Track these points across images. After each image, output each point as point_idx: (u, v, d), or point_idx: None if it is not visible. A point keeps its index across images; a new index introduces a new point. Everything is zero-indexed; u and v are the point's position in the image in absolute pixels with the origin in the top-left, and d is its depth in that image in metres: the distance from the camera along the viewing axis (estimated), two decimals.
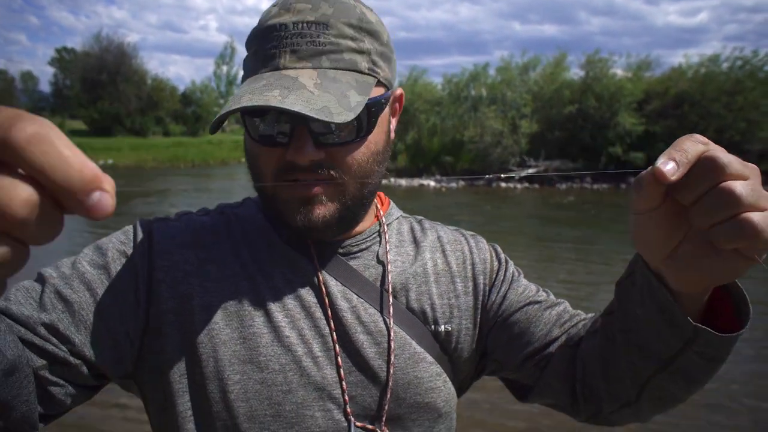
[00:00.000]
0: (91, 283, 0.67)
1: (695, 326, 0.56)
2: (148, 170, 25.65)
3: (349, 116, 0.60)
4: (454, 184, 23.04)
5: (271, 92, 0.60)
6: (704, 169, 0.44)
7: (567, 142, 22.99)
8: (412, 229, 0.85)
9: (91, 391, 0.69)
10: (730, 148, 0.45)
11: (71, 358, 0.64)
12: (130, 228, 0.74)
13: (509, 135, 23.12)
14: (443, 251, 0.83)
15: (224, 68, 53.79)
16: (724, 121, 19.78)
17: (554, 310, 0.80)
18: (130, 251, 0.71)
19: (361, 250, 0.78)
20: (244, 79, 0.69)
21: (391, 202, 0.87)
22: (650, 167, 0.46)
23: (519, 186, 22.67)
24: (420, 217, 0.89)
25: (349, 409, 0.71)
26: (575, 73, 24.86)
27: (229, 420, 0.68)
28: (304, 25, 0.65)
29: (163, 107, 46.21)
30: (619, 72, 23.84)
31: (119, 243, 0.72)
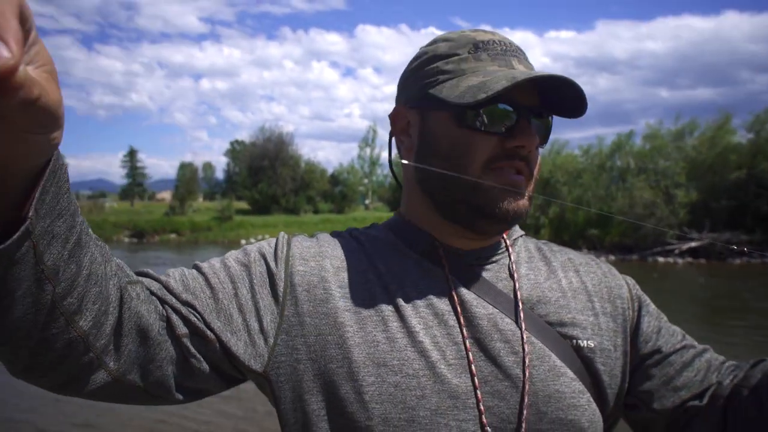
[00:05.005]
0: (235, 277, 0.73)
1: None
2: None
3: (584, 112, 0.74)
4: (602, 258, 21.26)
5: (537, 72, 0.70)
6: None
7: (738, 211, 20.33)
8: (539, 248, 0.85)
9: (225, 381, 0.74)
10: None
11: (209, 333, 0.69)
12: (273, 239, 0.82)
13: (663, 206, 21.13)
14: (577, 271, 0.82)
15: (367, 150, 57.93)
16: None
17: (705, 356, 0.80)
18: (270, 256, 0.76)
19: (491, 263, 0.78)
20: (444, 77, 0.74)
21: None
22: None
23: (680, 260, 20.33)
24: (545, 240, 0.89)
25: (484, 420, 0.69)
26: (742, 135, 22.30)
27: (364, 422, 0.68)
28: (513, 44, 0.76)
29: (314, 187, 50.62)
30: None
31: (262, 248, 0.79)
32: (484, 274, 0.77)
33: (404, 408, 0.68)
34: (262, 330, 0.72)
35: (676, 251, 20.67)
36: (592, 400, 0.73)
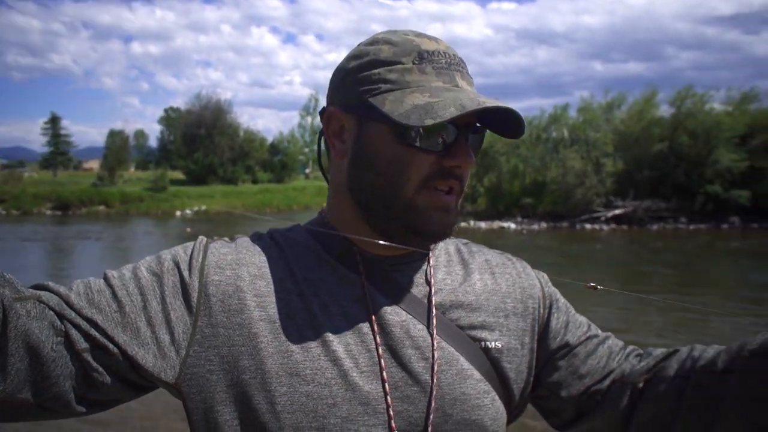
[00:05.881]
0: (144, 289, 0.72)
1: None
2: (236, 216, 27.23)
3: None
4: (535, 226, 22.32)
5: (483, 100, 0.70)
6: None
7: (658, 181, 21.75)
8: (459, 251, 0.88)
9: (135, 390, 0.73)
10: None
11: (111, 347, 0.68)
12: (190, 244, 0.80)
13: (593, 175, 22.24)
14: (492, 273, 0.86)
15: (308, 119, 56.86)
16: None
17: (606, 343, 0.86)
18: (184, 264, 0.75)
19: (409, 268, 0.80)
20: (386, 87, 0.72)
21: None
22: None
23: (605, 227, 21.59)
24: (466, 240, 0.91)
25: (393, 425, 0.72)
26: (665, 110, 23.65)
27: (275, 431, 0.70)
28: (456, 56, 0.76)
29: (253, 157, 49.34)
30: (717, 106, 22.43)
31: (176, 255, 0.76)
32: (401, 279, 0.79)
33: (315, 417, 0.70)
34: (173, 342, 0.71)
35: (602, 218, 21.90)
36: (496, 398, 0.78)
